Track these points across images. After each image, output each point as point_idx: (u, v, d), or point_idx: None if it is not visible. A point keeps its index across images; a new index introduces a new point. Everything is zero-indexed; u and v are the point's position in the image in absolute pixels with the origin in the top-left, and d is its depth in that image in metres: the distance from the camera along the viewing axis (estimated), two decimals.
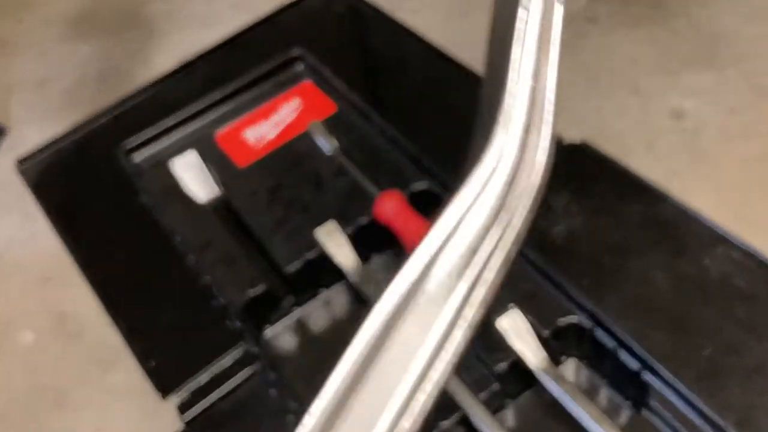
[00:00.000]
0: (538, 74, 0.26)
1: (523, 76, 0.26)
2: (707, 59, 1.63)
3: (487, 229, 0.26)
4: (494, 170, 0.26)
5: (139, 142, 0.94)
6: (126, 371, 1.42)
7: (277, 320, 0.81)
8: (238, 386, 0.74)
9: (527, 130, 0.27)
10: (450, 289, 0.26)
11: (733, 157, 1.46)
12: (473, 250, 0.26)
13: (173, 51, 2.01)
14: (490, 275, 0.27)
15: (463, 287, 0.27)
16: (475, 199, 0.26)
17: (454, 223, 0.26)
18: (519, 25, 0.26)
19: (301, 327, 0.82)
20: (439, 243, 0.26)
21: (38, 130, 1.85)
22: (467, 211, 0.26)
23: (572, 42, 1.73)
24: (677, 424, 0.66)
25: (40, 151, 0.97)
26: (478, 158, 0.27)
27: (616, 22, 1.75)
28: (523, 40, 0.26)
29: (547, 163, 0.27)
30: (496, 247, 0.26)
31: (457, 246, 0.26)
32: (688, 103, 1.56)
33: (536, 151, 0.27)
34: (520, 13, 0.26)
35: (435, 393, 0.26)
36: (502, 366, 0.70)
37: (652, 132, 1.53)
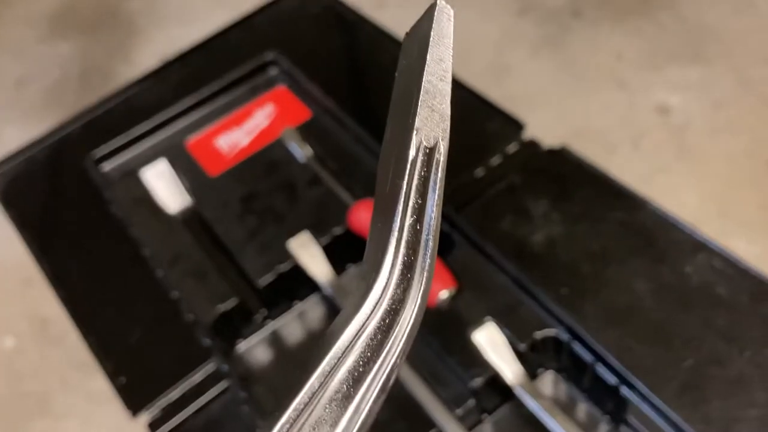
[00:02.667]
0: (422, 215, 0.28)
1: (408, 216, 0.28)
2: (693, 53, 1.61)
3: (372, 359, 0.28)
4: (379, 303, 0.28)
5: (108, 151, 0.92)
6: None
7: (250, 334, 0.80)
8: (210, 403, 0.73)
9: (410, 267, 0.28)
10: (337, 417, 0.28)
11: (719, 153, 1.45)
12: (358, 379, 0.28)
13: (153, 48, 1.99)
14: (371, 404, 0.28)
15: (348, 414, 0.28)
16: (363, 329, 0.28)
17: (342, 351, 0.28)
18: (407, 166, 0.28)
19: (274, 340, 0.80)
20: (328, 369, 0.28)
21: (19, 129, 1.83)
22: (355, 339, 0.28)
23: (557, 37, 1.72)
24: None
25: (7, 160, 0.95)
26: (366, 290, 0.28)
27: (602, 16, 1.73)
28: (410, 181, 0.28)
29: (424, 300, 0.28)
30: (377, 376, 0.28)
31: (344, 373, 0.28)
32: (674, 98, 1.54)
33: (418, 289, 0.29)
34: (410, 152, 0.28)
35: None
36: (478, 381, 0.69)
37: (638, 127, 1.52)
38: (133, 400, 0.74)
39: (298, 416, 0.27)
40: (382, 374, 0.28)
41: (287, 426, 0.27)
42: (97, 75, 1.96)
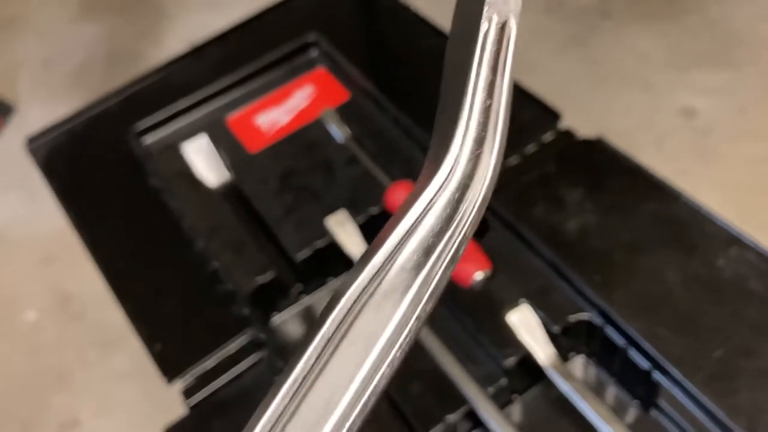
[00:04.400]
0: (492, 90, 0.29)
1: (479, 90, 0.29)
2: (720, 57, 1.62)
3: (441, 232, 0.29)
4: (450, 177, 0.29)
5: (150, 124, 0.94)
6: (127, 353, 1.42)
7: (284, 308, 0.81)
8: (244, 372, 0.74)
9: (480, 142, 0.29)
10: (407, 285, 0.28)
11: (742, 158, 1.46)
12: (428, 250, 0.29)
13: (181, 32, 2.00)
14: (441, 273, 0.29)
15: (418, 282, 0.29)
16: (432, 202, 0.29)
17: (412, 222, 0.29)
18: (479, 38, 0.28)
19: (308, 315, 0.81)
20: (398, 240, 0.28)
21: (45, 109, 1.84)
22: (425, 212, 0.29)
23: (584, 36, 1.72)
24: (686, 425, 0.66)
25: (50, 130, 0.96)
26: (437, 164, 0.29)
27: (629, 17, 1.73)
28: (482, 54, 0.28)
29: (494, 176, 0.29)
30: (446, 247, 0.29)
31: (415, 244, 0.29)
32: (699, 102, 1.55)
33: (488, 165, 0.29)
34: (482, 25, 0.28)
35: (383, 387, 0.29)
36: (510, 361, 0.70)
37: (662, 129, 1.52)
38: (169, 367, 0.75)
39: (370, 280, 0.28)
40: (452, 246, 0.29)
41: (361, 289, 0.28)
42: (124, 57, 1.97)
